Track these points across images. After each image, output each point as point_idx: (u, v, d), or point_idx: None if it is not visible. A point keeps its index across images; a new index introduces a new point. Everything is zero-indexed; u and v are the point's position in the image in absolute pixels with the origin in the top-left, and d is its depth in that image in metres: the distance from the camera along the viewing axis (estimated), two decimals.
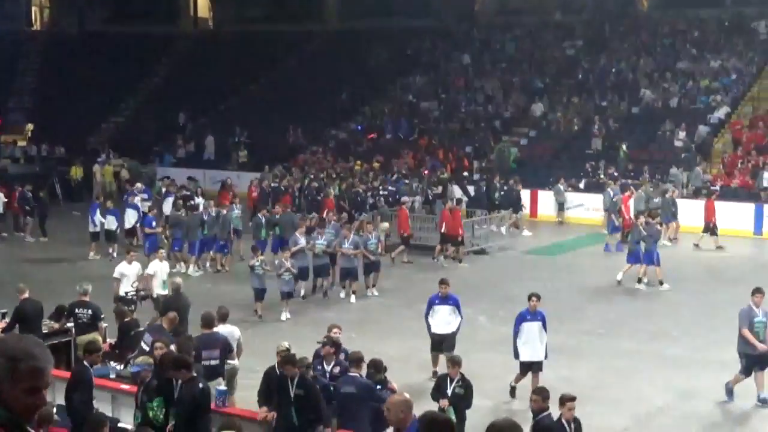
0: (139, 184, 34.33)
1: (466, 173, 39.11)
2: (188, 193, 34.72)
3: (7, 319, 17.47)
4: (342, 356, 13.85)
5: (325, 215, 29.13)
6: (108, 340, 16.47)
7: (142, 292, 18.50)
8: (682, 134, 38.85)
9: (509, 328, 21.04)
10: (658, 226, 27.48)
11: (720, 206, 31.30)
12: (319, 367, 13.44)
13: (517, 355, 16.57)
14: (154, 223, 27.54)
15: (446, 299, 17.72)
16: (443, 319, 17.65)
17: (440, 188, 34.90)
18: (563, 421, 11.60)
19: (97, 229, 29.17)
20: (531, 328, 16.46)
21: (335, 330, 14.91)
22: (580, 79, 45.33)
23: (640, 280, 25.17)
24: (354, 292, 24.10)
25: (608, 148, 39.39)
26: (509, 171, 38.64)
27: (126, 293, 18.19)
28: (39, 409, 3.86)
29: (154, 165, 45.97)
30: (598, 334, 20.94)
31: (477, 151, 42.06)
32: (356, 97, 49.47)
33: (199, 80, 51.87)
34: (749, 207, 33.04)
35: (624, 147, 38.81)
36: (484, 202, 34.22)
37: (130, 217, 29.66)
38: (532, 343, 16.41)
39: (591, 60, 46.45)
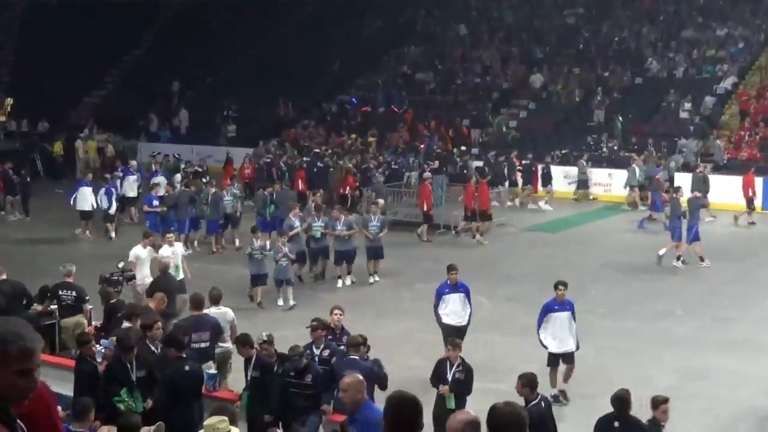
0: (134, 162, 34.09)
1: (463, 147, 39.05)
2: (199, 169, 34.74)
3: None
4: (345, 339, 13.86)
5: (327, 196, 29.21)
6: (93, 322, 16.47)
7: (128, 273, 18.47)
8: (687, 105, 38.85)
9: (509, 307, 21.26)
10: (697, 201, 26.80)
11: (726, 181, 31.30)
12: (308, 352, 13.36)
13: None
14: (155, 202, 27.37)
15: (456, 287, 16.75)
16: (455, 310, 16.74)
17: (437, 163, 34.87)
18: (661, 424, 11.39)
19: (87, 207, 29.00)
20: (559, 319, 15.78)
21: (336, 311, 14.90)
22: (581, 48, 45.27)
23: (679, 257, 25.11)
24: (349, 273, 23.63)
25: (610, 120, 39.38)
26: (508, 144, 38.66)
27: (111, 274, 18.14)
28: (31, 391, 3.86)
29: (137, 141, 45.73)
30: (600, 313, 20.99)
31: (474, 124, 42.03)
32: (349, 68, 49.35)
33: (186, 51, 51.69)
34: (758, 181, 32.99)
35: (620, 118, 38.83)
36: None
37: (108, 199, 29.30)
38: (561, 334, 15.76)
39: (592, 29, 46.39)
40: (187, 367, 11.84)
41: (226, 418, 9.69)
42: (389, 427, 5.34)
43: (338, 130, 42.96)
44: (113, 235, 28.64)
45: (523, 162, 35.25)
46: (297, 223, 23.17)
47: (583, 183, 35.73)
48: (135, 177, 31.69)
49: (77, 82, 51.38)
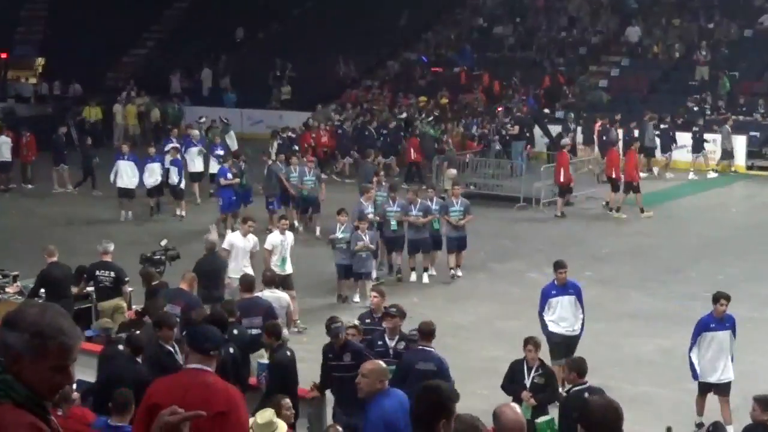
0: (195, 131, 32.35)
1: (547, 110, 38.82)
2: (293, 135, 34.47)
3: (21, 283, 17.83)
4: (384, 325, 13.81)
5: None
6: (134, 306, 16.71)
7: (171, 251, 18.65)
8: None
9: (596, 291, 21.14)
10: None
11: None
12: (380, 343, 13.32)
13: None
14: (230, 175, 26.33)
15: (565, 288, 15.62)
16: (565, 315, 15.56)
17: (516, 128, 34.71)
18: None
19: (128, 185, 28.29)
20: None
21: (374, 295, 14.87)
22: None
23: None
24: (426, 269, 22.30)
25: (716, 78, 38.83)
26: (598, 106, 38.34)
27: (153, 253, 18.36)
28: (63, 387, 3.98)
29: (178, 104, 45.83)
30: (703, 298, 20.71)
31: (554, 88, 41.73)
32: (418, 22, 49.20)
33: (234, 4, 51.87)
34: None
35: (727, 76, 38.26)
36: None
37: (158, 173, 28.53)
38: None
39: None
40: (231, 350, 12.04)
41: (273, 420, 9.93)
42: None
43: (405, 91, 42.85)
44: (184, 213, 28.27)
45: (662, 126, 34.70)
46: (369, 208, 21.99)
47: (727, 153, 34.53)
48: (198, 148, 30.45)
49: (114, 41, 51.77)
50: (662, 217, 28.16)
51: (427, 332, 12.70)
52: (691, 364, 14.31)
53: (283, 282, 18.07)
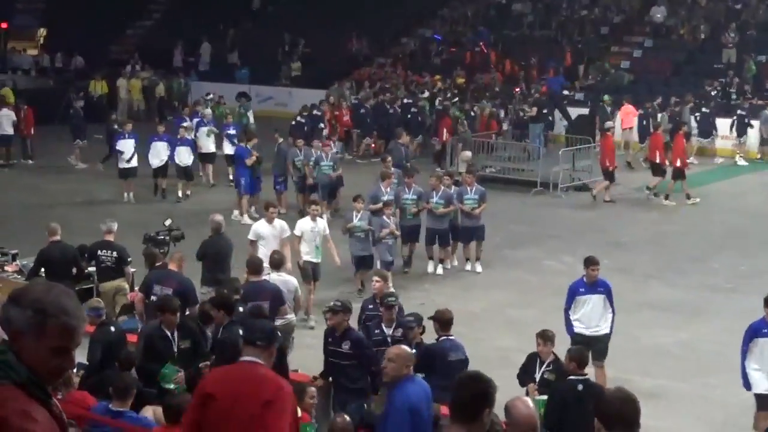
0: (207, 111, 31.58)
1: (566, 92, 38.78)
2: (318, 113, 34.20)
3: (20, 262, 17.91)
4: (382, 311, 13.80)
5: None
6: (136, 287, 16.76)
7: (175, 231, 18.67)
8: None
9: (617, 280, 20.94)
10: None
11: None
12: (377, 331, 13.30)
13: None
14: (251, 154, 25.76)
15: (594, 287, 15.07)
16: (592, 315, 15.05)
17: (534, 110, 34.70)
18: None
19: (129, 164, 27.81)
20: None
21: (376, 279, 14.77)
22: None
23: None
24: (442, 261, 21.77)
25: (742, 62, 38.72)
26: (621, 88, 38.27)
27: (157, 233, 18.40)
28: (65, 372, 3.96)
29: (184, 78, 45.84)
30: (726, 289, 20.80)
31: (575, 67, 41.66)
32: None
33: None
34: None
35: (754, 59, 38.17)
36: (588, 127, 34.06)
37: (164, 153, 27.97)
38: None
39: None
40: (241, 331, 12.09)
41: None
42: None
43: (418, 69, 42.82)
44: (189, 193, 28.13)
45: (703, 110, 34.64)
46: (386, 196, 21.22)
47: (765, 140, 34.51)
48: (207, 128, 29.86)
49: (118, 12, 51.73)
50: (684, 205, 28.09)
51: (446, 321, 12.71)
52: (744, 374, 13.48)
53: (312, 271, 18.17)
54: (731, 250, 23.85)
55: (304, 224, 18.59)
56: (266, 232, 17.92)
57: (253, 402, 6.74)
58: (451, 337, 12.59)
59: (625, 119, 35.66)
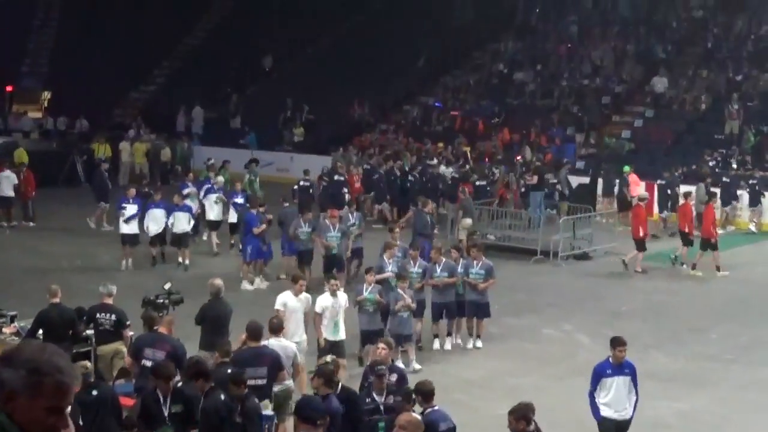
0: (220, 178, 31.60)
1: (566, 160, 38.95)
2: (339, 177, 34.22)
3: (18, 324, 17.92)
4: (393, 378, 13.81)
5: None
6: None
7: (175, 295, 18.68)
8: None
9: None
10: None
11: None
12: (369, 399, 13.26)
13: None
14: (260, 223, 25.73)
15: (621, 368, 14.48)
16: (619, 398, 14.44)
17: (535, 178, 34.83)
18: None
19: (132, 230, 27.47)
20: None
21: (382, 347, 14.73)
22: (710, 47, 44.83)
23: None
24: (450, 334, 21.25)
25: (743, 132, 38.95)
26: (621, 158, 38.45)
27: (156, 296, 18.41)
28: (58, 431, 3.93)
29: (188, 142, 46.10)
30: (726, 360, 20.78)
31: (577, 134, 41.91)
32: (436, 65, 49.49)
33: (245, 42, 52.25)
34: None
35: (752, 130, 38.44)
36: (588, 196, 34.25)
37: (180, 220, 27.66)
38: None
39: (724, 23, 45.91)
40: (222, 396, 12.16)
41: None
42: None
43: (419, 137, 43.03)
44: (188, 262, 27.57)
45: (723, 180, 34.94)
46: (389, 267, 20.92)
47: None
48: (217, 195, 29.62)
49: (123, 76, 52.14)
50: (685, 275, 28.11)
51: (428, 392, 12.62)
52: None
53: (333, 349, 17.30)
54: (731, 320, 23.83)
55: (324, 301, 18.03)
56: (293, 304, 17.58)
57: None
58: (435, 408, 12.48)
59: (632, 187, 35.88)
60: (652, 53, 45.58)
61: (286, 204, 27.74)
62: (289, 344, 15.32)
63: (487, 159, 39.45)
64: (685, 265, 28.54)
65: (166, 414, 12.27)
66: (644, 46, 46.28)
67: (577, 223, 31.19)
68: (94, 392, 12.84)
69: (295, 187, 33.91)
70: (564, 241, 29.88)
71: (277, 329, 15.36)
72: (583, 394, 18.29)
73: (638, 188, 35.14)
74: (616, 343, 14.57)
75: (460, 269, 21.10)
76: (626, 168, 35.53)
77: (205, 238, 30.06)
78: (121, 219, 27.61)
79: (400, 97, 48.51)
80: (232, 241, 28.95)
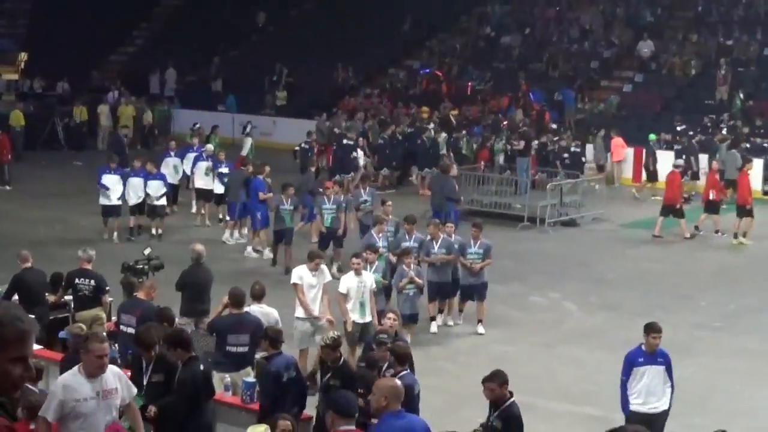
0: (209, 146, 30.72)
1: (554, 126, 38.90)
2: (350, 142, 33.81)
3: None
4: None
5: None
6: (113, 317, 16.72)
7: (155, 261, 18.61)
8: None
9: (602, 318, 21.19)
10: None
11: None
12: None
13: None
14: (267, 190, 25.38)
15: (654, 357, 13.74)
16: (652, 389, 13.71)
17: (522, 143, 34.73)
18: None
19: (113, 201, 26.59)
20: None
21: (390, 316, 14.79)
22: (700, 11, 44.73)
23: None
24: (441, 311, 20.37)
25: (732, 98, 38.95)
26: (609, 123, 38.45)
27: (136, 262, 18.34)
28: (25, 381, 4.03)
29: (168, 106, 45.87)
30: (713, 328, 20.85)
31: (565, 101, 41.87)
32: (421, 29, 49.30)
33: (227, 3, 51.96)
34: None
35: (740, 95, 38.45)
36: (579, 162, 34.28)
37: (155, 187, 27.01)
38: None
39: None
40: (202, 366, 12.10)
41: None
42: None
43: (404, 101, 42.88)
44: (161, 232, 27.06)
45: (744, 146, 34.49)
46: (379, 243, 20.12)
47: None
48: (207, 164, 28.87)
49: (102, 37, 51.83)
50: (673, 242, 28.18)
51: (403, 355, 12.69)
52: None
53: (363, 332, 16.80)
54: (719, 288, 23.90)
55: (349, 281, 17.26)
56: (308, 281, 17.00)
57: None
58: (408, 371, 12.56)
59: (616, 152, 35.87)
60: (641, 18, 45.45)
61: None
62: (271, 311, 15.25)
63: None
64: (723, 234, 28.49)
65: (144, 382, 12.18)
66: (634, 10, 46.12)
67: (564, 189, 31.19)
68: None
69: (296, 148, 33.88)
70: (551, 207, 29.87)
71: (259, 295, 15.32)
72: (569, 364, 18.44)
73: (623, 151, 35.27)
74: (650, 329, 13.76)
75: (455, 246, 20.19)
76: (652, 136, 35.33)
77: (194, 210, 29.53)
78: (101, 190, 26.70)
79: (385, 61, 48.31)
80: (221, 215, 28.53)
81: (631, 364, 13.74)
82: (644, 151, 35.41)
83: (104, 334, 11.92)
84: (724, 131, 36.41)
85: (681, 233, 28.39)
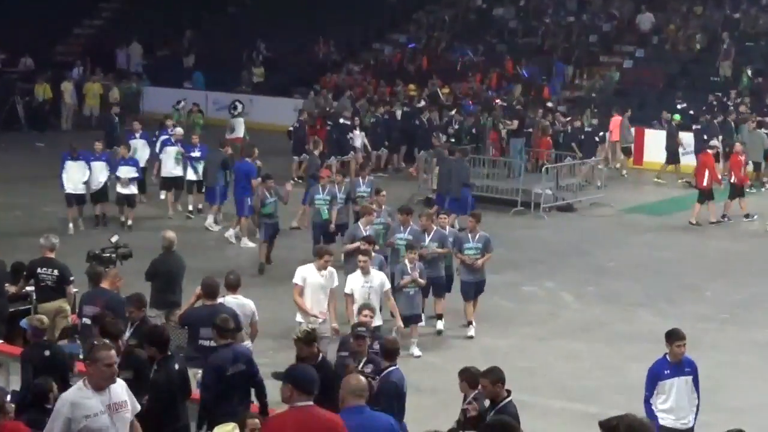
0: (179, 129, 29.71)
1: (549, 104, 38.88)
2: (347, 122, 33.58)
3: None
4: (376, 347, 13.73)
5: None
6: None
7: (123, 249, 18.54)
8: None
9: (601, 309, 21.16)
10: None
11: None
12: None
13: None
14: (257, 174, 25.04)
15: (680, 367, 13.42)
16: (681, 403, 13.43)
17: (515, 122, 34.72)
18: None
19: (78, 189, 26.07)
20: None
21: (366, 313, 14.63)
22: None
23: None
24: (440, 317, 19.61)
25: (739, 75, 38.98)
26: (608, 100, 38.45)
27: (102, 250, 18.26)
28: None
29: (135, 83, 45.71)
30: (721, 320, 20.86)
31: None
32: (408, 0, 49.19)
33: None
34: None
35: (748, 72, 38.47)
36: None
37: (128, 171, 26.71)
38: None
39: None
40: (177, 366, 11.99)
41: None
42: None
43: (390, 78, 42.79)
44: (130, 222, 26.62)
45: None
46: (363, 233, 19.50)
47: None
48: (176, 149, 28.18)
49: (65, 9, 51.51)
50: (678, 228, 28.20)
51: (393, 351, 12.78)
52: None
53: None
54: (726, 277, 23.91)
55: (354, 280, 16.91)
56: (314, 280, 16.59)
57: None
58: (396, 367, 12.66)
59: (615, 131, 35.84)
60: None
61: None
62: (247, 302, 15.17)
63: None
64: (753, 217, 28.67)
65: None
66: None
67: (561, 171, 31.14)
68: (47, 352, 12.73)
69: (290, 128, 33.81)
70: (546, 191, 29.81)
71: (234, 286, 15.21)
72: (565, 358, 18.42)
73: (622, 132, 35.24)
74: (674, 337, 13.38)
75: (450, 238, 19.75)
76: (676, 116, 35.27)
77: (162, 197, 28.91)
78: (64, 176, 26.11)
79: (370, 34, 48.19)
80: (191, 206, 27.99)
81: (655, 377, 13.35)
82: (666, 132, 34.93)
83: (113, 344, 11.57)
84: (732, 110, 36.39)
85: (706, 217, 28.33)
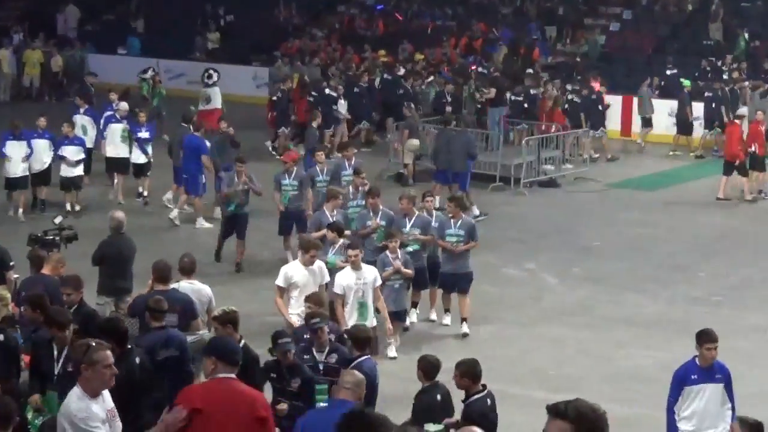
0: (123, 104, 28.39)
1: (530, 70, 38.93)
2: (333, 93, 33.24)
3: None
4: (332, 336, 13.77)
5: None
6: None
7: (67, 231, 18.49)
8: None
9: (587, 291, 21.24)
10: None
11: None
12: (307, 357, 13.26)
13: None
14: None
15: (711, 372, 13.04)
16: (710, 411, 13.10)
17: (493, 91, 34.72)
18: None
19: (19, 172, 25.44)
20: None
21: (308, 304, 14.47)
22: None
23: None
24: (414, 306, 19.52)
25: (734, 38, 39.09)
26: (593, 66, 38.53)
27: (45, 232, 18.20)
28: None
29: (78, 49, 45.43)
30: (714, 302, 20.97)
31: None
32: None
33: None
34: None
35: (745, 35, 38.58)
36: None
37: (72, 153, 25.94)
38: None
39: None
40: (138, 359, 11.89)
41: None
42: None
43: (358, 43, 42.72)
44: (78, 208, 26.03)
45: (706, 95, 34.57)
46: (329, 219, 18.92)
47: None
48: (122, 126, 27.42)
49: None
50: (667, 204, 28.28)
51: (363, 339, 12.96)
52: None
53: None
54: (719, 257, 24.04)
55: (345, 278, 16.44)
56: (301, 279, 16.19)
57: (247, 417, 8.75)
58: (368, 356, 12.89)
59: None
60: None
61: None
62: (203, 287, 15.15)
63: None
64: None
65: (56, 372, 11.98)
66: None
67: (542, 144, 31.12)
68: (1, 336, 12.73)
69: (274, 99, 33.77)
70: (527, 165, 29.82)
71: (189, 270, 15.20)
72: (548, 344, 18.49)
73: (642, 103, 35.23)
74: (705, 338, 12.95)
75: (434, 223, 19.24)
76: (686, 82, 35.27)
77: (116, 181, 27.77)
78: (6, 160, 25.63)
79: None
80: (141, 189, 27.30)
81: (681, 382, 13.02)
82: (678, 101, 34.85)
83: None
84: (726, 76, 36.55)
85: (740, 195, 28.53)
